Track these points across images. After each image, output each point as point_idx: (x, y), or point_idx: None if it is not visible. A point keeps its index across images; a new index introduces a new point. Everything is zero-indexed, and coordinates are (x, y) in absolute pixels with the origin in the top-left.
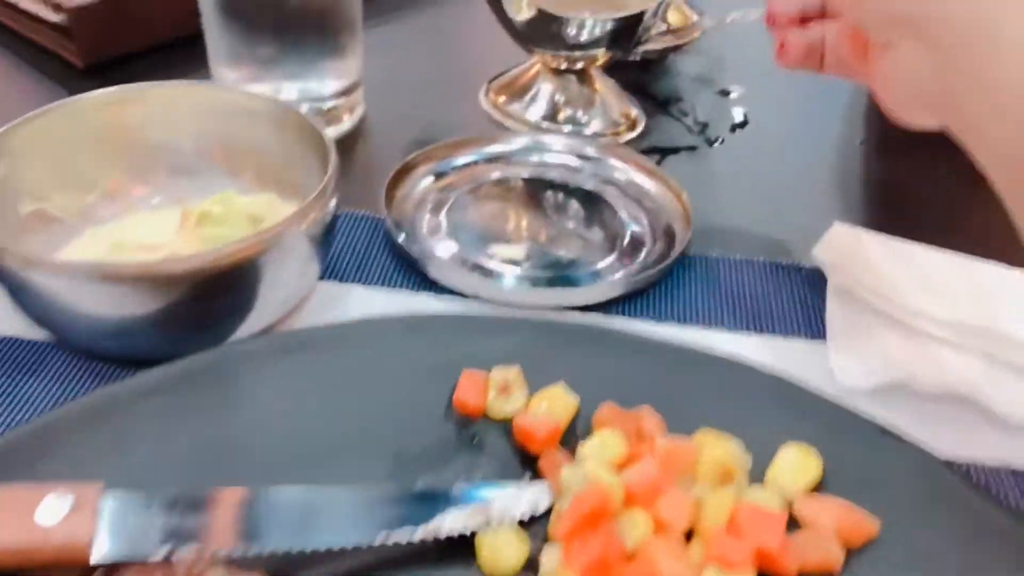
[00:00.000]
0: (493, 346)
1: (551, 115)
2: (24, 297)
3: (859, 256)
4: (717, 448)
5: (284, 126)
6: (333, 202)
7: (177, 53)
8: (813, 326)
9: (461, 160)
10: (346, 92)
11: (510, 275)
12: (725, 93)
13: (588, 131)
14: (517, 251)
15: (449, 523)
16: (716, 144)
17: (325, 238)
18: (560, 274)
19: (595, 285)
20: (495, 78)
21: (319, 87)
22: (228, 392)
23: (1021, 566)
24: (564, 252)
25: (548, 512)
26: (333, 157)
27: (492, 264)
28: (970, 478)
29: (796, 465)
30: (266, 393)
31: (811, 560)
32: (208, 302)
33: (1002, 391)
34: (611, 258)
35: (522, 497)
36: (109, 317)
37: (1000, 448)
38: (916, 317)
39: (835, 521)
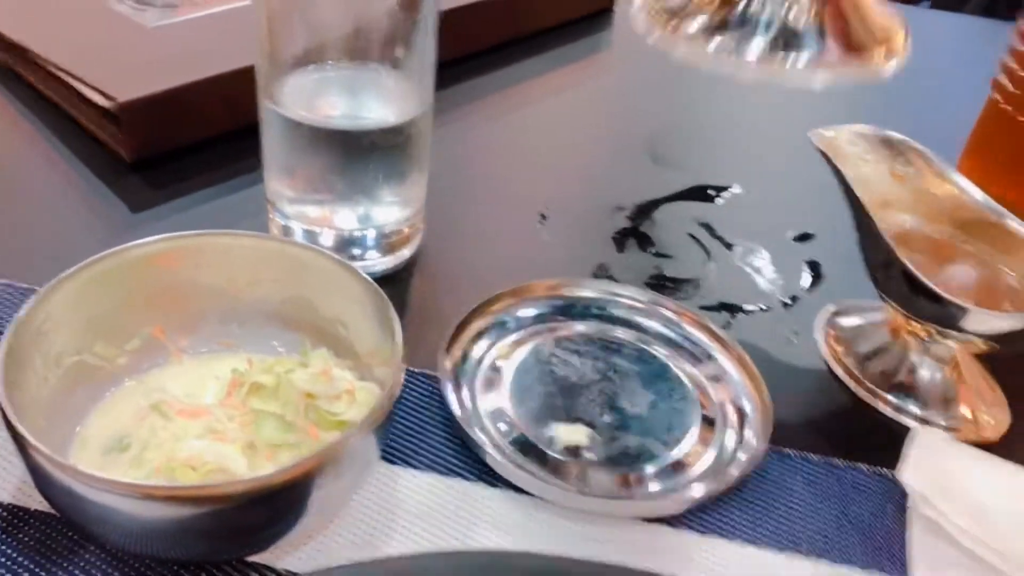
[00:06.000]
0: None
1: None
2: (62, 502)
3: (946, 479)
4: None
5: (345, 286)
6: (399, 390)
7: (230, 147)
8: (895, 556)
9: (521, 312)
10: (407, 221)
11: (572, 471)
12: (801, 238)
13: None
14: (579, 435)
15: None
16: (790, 305)
17: (386, 425)
18: (627, 470)
19: (668, 496)
20: None
21: (381, 216)
22: None
23: None
24: (630, 440)
25: None
26: (398, 335)
27: (552, 451)
28: None
29: None
30: None
31: None
32: (264, 514)
33: None
34: (679, 450)
35: None
36: (155, 529)
37: None
38: (1005, 561)
39: None
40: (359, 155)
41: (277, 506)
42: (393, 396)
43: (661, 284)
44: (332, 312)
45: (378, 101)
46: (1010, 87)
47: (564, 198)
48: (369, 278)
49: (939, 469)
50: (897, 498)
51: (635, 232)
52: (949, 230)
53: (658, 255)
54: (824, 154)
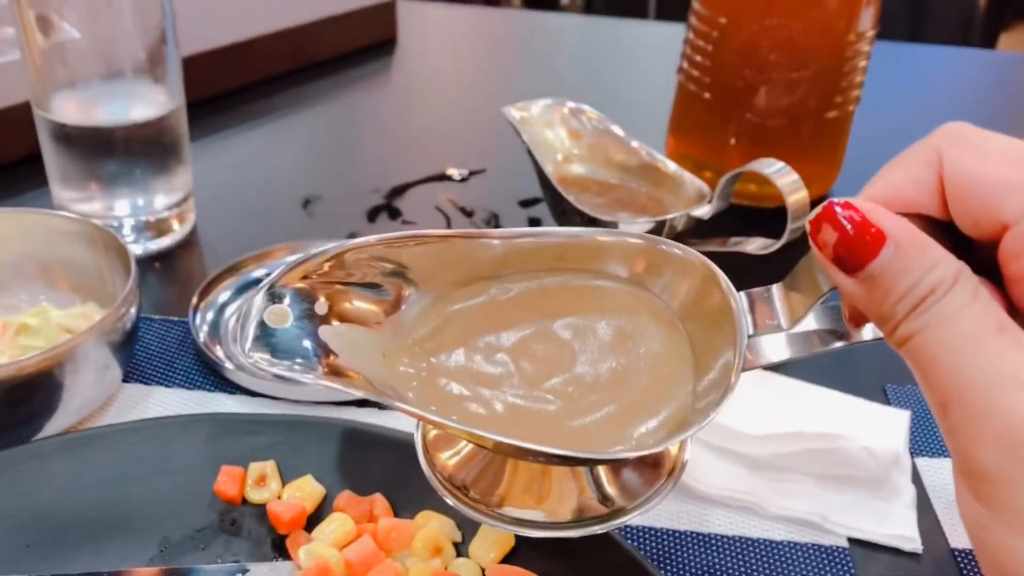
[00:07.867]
0: (254, 442)
1: None
2: None
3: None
4: (430, 526)
5: (95, 242)
6: (132, 311)
7: (21, 171)
8: None
9: (266, 270)
10: (176, 205)
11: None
12: (525, 203)
13: None
14: None
15: None
16: None
17: (124, 345)
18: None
19: None
20: None
21: (149, 203)
22: (20, 483)
23: None
24: None
25: None
26: (133, 271)
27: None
28: (627, 544)
29: (492, 538)
30: (54, 485)
31: None
32: (12, 407)
33: (698, 467)
34: None
35: (265, 574)
36: None
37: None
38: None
39: None
40: (119, 149)
41: (24, 394)
42: (124, 315)
43: None
44: (88, 269)
45: (135, 102)
46: (693, 72)
47: (327, 186)
48: (116, 235)
49: None
50: None
51: (388, 208)
52: (619, 174)
53: (404, 223)
54: (512, 125)
